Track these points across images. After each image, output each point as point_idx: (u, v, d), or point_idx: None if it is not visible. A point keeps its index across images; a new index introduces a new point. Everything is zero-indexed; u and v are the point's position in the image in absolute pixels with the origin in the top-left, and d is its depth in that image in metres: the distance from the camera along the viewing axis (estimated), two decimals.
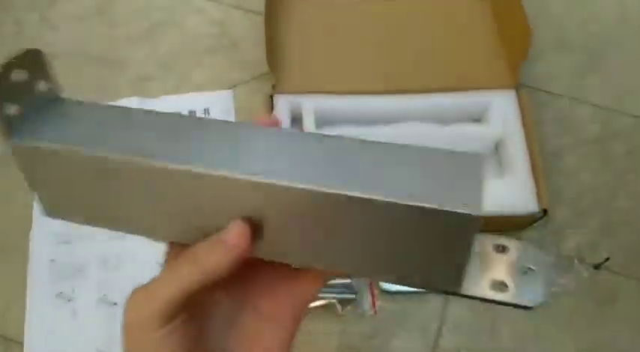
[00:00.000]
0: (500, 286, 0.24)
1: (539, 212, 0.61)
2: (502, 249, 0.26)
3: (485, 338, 0.63)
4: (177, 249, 0.27)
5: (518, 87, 0.69)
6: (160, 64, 0.80)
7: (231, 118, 0.75)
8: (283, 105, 0.66)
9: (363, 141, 0.24)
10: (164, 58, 0.80)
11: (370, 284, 0.64)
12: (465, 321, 0.64)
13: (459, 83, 0.69)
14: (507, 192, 0.62)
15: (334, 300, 0.63)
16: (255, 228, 0.24)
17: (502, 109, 0.67)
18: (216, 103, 0.76)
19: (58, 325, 0.64)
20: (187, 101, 0.76)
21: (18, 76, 0.23)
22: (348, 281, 0.64)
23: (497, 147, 0.68)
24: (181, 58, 0.80)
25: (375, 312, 0.64)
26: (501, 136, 0.66)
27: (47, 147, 0.24)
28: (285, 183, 0.22)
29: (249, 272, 0.27)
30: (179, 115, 0.26)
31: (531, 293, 0.24)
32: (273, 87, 0.69)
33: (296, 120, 0.67)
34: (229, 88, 0.77)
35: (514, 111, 0.67)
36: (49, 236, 0.68)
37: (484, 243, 0.26)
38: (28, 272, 0.66)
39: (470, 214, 0.20)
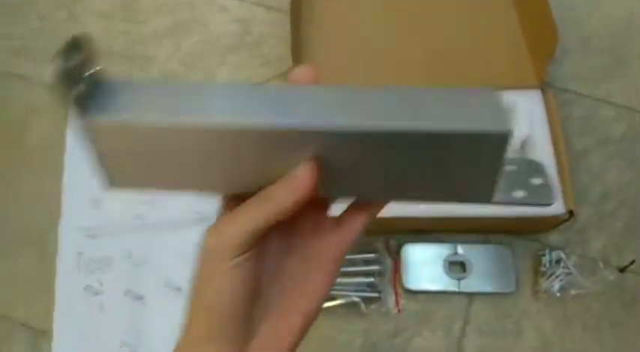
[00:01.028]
0: (518, 193, 0.29)
1: (565, 214, 0.61)
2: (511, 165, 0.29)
3: (509, 340, 0.63)
4: (231, 200, 0.30)
5: (543, 87, 0.69)
6: (184, 61, 0.80)
7: None
8: None
9: (391, 87, 0.27)
10: (188, 56, 0.80)
11: (394, 283, 0.65)
12: (489, 322, 0.64)
13: (484, 83, 0.68)
14: None
15: (358, 299, 0.63)
16: (319, 169, 0.26)
17: (528, 109, 0.67)
18: None
19: (86, 317, 0.65)
20: None
21: (74, 60, 0.24)
22: (371, 280, 0.64)
23: (523, 147, 0.68)
24: (205, 55, 0.80)
25: (399, 311, 0.64)
26: (527, 136, 0.66)
27: (121, 120, 0.26)
28: (346, 125, 0.25)
29: (296, 221, 0.30)
30: (225, 84, 0.28)
31: (546, 196, 0.29)
32: None
33: None
34: None
35: (540, 111, 0.67)
36: (76, 230, 0.69)
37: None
38: (57, 266, 0.67)
39: (502, 131, 0.24)
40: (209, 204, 0.69)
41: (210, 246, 0.27)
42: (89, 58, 0.25)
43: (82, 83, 0.25)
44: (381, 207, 0.31)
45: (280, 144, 0.26)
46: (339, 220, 0.31)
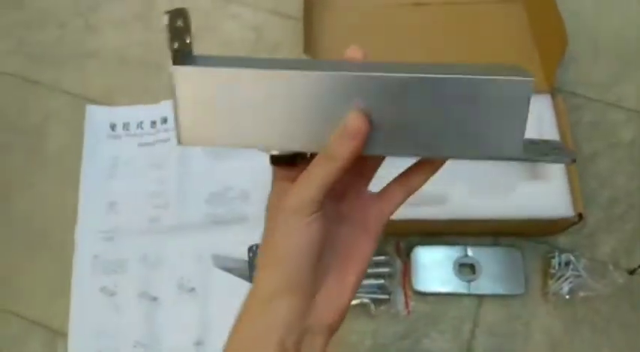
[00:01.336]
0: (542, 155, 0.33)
1: (574, 216, 0.61)
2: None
3: (519, 342, 0.63)
4: (282, 171, 0.34)
5: (553, 91, 0.69)
6: None
7: None
8: None
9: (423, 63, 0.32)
10: None
11: (404, 285, 0.65)
12: (498, 324, 0.64)
13: None
14: (542, 196, 0.62)
15: (368, 301, 0.64)
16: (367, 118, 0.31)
17: (537, 113, 0.67)
18: None
19: (102, 318, 0.67)
20: None
21: (178, 23, 0.30)
22: (382, 282, 0.65)
23: None
24: None
25: (409, 313, 0.65)
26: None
27: (203, 68, 0.31)
28: (396, 75, 0.30)
29: (343, 195, 0.35)
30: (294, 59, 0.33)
31: (567, 155, 0.33)
32: None
33: None
34: None
35: (549, 115, 0.67)
36: (93, 232, 0.71)
37: None
38: (73, 267, 0.69)
39: (526, 79, 0.29)
40: (222, 208, 0.71)
41: (290, 206, 0.31)
42: (187, 28, 0.31)
43: (179, 42, 0.31)
44: (417, 183, 0.35)
45: (335, 94, 0.30)
46: (381, 194, 0.36)
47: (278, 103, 0.31)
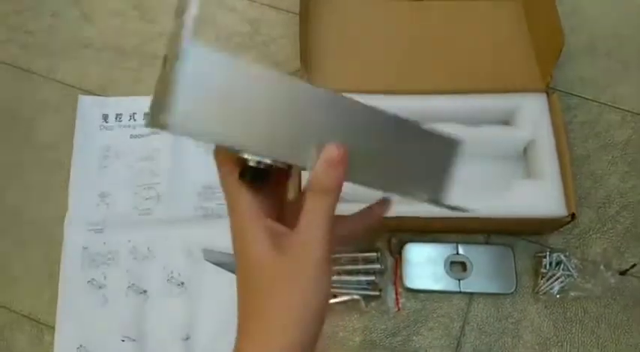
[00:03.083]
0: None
1: (566, 216, 0.61)
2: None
3: (508, 340, 0.63)
4: (249, 194, 0.33)
5: (548, 90, 0.69)
6: None
7: None
8: None
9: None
10: None
11: (395, 282, 0.65)
12: (488, 322, 0.64)
13: (489, 85, 0.69)
14: (535, 195, 0.62)
15: (359, 297, 0.64)
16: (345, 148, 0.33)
17: (532, 112, 0.67)
18: None
19: (89, 311, 0.66)
20: None
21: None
22: (372, 278, 0.64)
23: (527, 150, 0.68)
24: None
25: (399, 310, 0.65)
26: (531, 139, 0.66)
27: (225, 56, 0.29)
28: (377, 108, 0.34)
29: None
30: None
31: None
32: None
33: None
34: None
35: (544, 114, 0.67)
36: (82, 225, 0.70)
37: None
38: (62, 259, 0.68)
39: (458, 139, 0.39)
40: (214, 202, 0.70)
41: (315, 257, 0.32)
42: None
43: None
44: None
45: (327, 111, 0.32)
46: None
47: (274, 108, 0.31)
